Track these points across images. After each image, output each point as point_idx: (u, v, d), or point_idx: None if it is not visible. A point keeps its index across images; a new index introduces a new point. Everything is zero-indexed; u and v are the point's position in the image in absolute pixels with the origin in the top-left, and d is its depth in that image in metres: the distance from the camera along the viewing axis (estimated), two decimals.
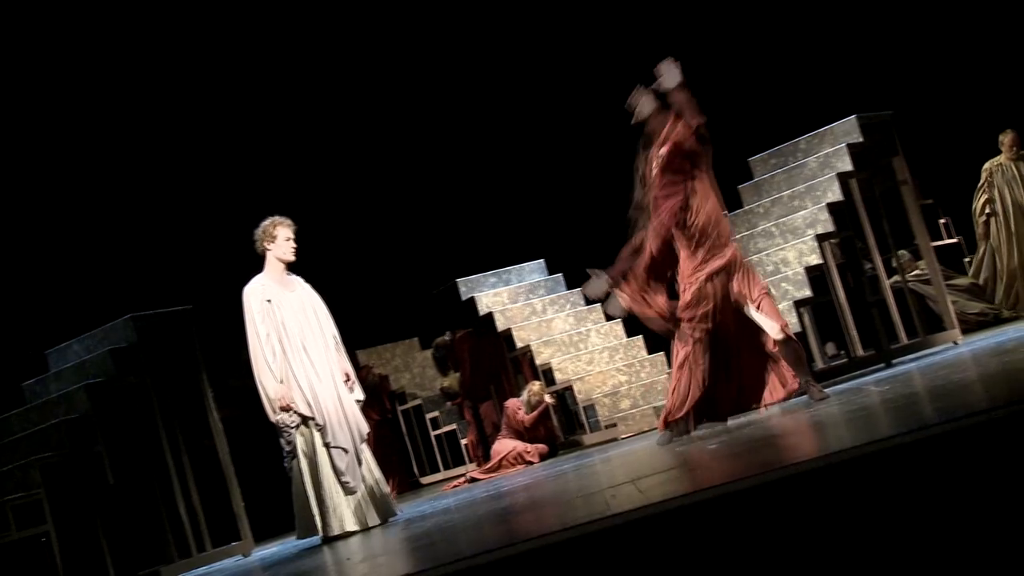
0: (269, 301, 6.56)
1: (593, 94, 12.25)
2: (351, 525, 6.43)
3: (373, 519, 6.52)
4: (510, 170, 12.56)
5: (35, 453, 7.09)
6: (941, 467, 2.96)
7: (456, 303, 10.62)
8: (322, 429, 6.48)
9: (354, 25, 12.48)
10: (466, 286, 10.57)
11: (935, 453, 3.01)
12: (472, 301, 10.45)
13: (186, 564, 7.32)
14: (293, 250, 6.71)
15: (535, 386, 9.52)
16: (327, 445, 6.47)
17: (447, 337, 11.14)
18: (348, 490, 6.48)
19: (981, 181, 9.86)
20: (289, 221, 6.73)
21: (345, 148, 12.60)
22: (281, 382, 6.46)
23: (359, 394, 6.78)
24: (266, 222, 6.70)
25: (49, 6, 10.88)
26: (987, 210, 9.81)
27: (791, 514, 3.02)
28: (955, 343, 7.99)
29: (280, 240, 6.67)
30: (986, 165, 9.86)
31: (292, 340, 6.56)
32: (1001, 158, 9.80)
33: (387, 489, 6.78)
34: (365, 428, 6.74)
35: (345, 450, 6.51)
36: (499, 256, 11.14)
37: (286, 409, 6.44)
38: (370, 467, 6.69)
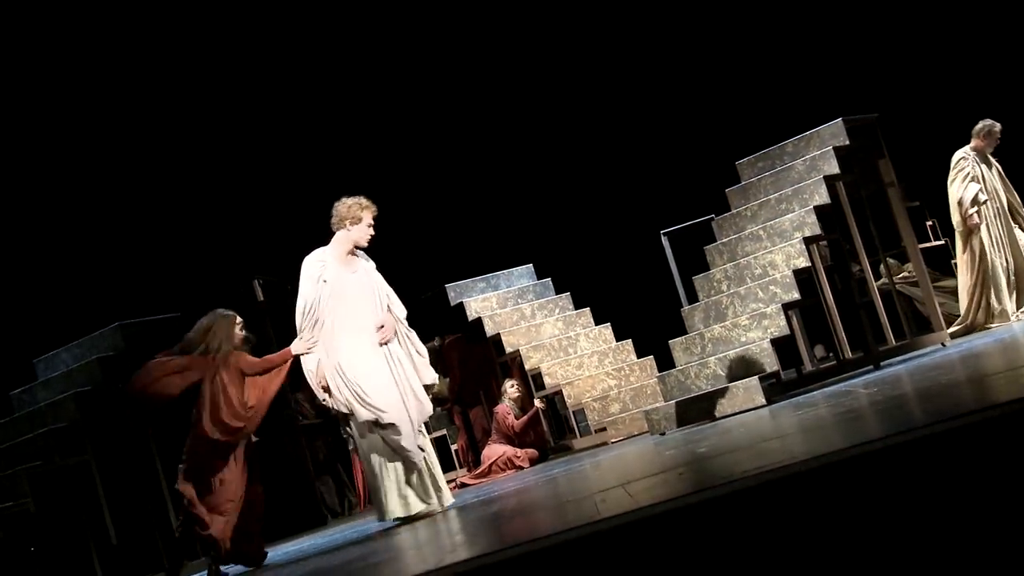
0: (325, 281, 6.39)
1: (580, 99, 12.27)
2: (417, 506, 6.26)
3: (435, 502, 6.32)
4: (498, 175, 12.56)
5: (23, 463, 7.07)
6: (929, 469, 2.97)
7: (445, 308, 10.61)
8: (375, 413, 6.25)
9: (344, 31, 12.47)
10: (455, 291, 10.55)
11: (923, 455, 3.02)
12: (461, 306, 10.44)
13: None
14: (371, 236, 6.54)
15: (509, 385, 9.57)
16: (379, 425, 6.26)
17: (436, 342, 11.12)
18: (411, 466, 6.27)
19: (966, 169, 8.78)
20: (375, 207, 6.55)
21: (333, 154, 12.58)
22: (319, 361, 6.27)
23: (428, 377, 6.59)
24: (351, 200, 6.50)
25: (25, 22, 10.86)
26: (982, 197, 8.67)
27: (781, 517, 3.03)
28: (943, 345, 8.01)
29: (363, 224, 6.50)
30: (960, 153, 8.87)
31: (343, 322, 6.35)
32: (970, 149, 8.83)
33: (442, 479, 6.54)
34: (428, 408, 6.53)
35: (402, 430, 6.27)
36: (488, 261, 11.13)
37: (325, 389, 6.30)
38: (429, 452, 6.47)
